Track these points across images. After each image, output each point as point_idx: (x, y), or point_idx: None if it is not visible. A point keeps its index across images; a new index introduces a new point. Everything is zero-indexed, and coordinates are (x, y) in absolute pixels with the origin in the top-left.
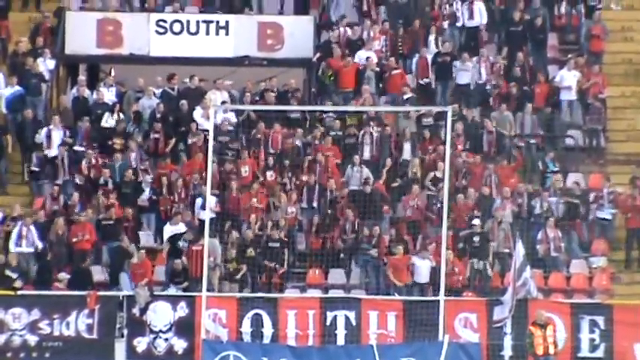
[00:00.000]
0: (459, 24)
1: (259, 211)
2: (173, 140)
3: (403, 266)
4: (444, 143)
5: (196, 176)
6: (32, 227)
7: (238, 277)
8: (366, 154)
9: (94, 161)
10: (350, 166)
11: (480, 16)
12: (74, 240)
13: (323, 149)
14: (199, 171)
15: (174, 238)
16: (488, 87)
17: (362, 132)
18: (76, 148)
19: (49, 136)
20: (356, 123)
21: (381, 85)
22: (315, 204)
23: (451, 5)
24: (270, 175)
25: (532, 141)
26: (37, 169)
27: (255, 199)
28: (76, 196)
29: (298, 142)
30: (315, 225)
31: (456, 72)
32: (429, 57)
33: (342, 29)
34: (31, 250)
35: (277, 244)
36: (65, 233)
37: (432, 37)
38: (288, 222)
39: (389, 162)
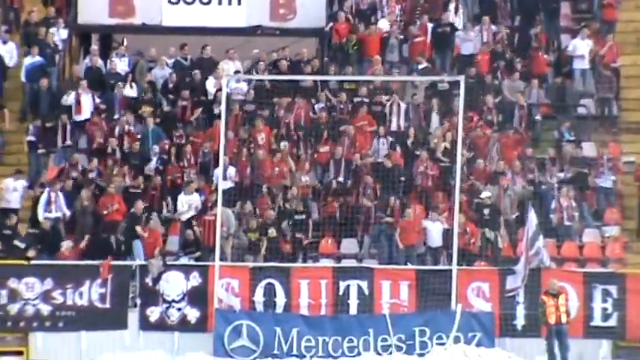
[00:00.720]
0: None
1: (280, 179)
2: (200, 109)
3: (412, 229)
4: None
5: (207, 144)
6: (60, 194)
7: (263, 251)
8: (394, 125)
9: (127, 128)
10: (376, 138)
11: None
12: (104, 212)
13: (355, 120)
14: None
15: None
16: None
17: (389, 102)
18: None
19: (78, 101)
20: (354, 87)
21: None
22: (334, 173)
23: None
24: (283, 145)
25: (537, 116)
26: (33, 138)
27: (277, 169)
28: (95, 162)
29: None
30: (331, 192)
31: (460, 42)
32: (430, 26)
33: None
34: (59, 215)
35: (302, 216)
36: (91, 203)
37: (452, 6)
38: (302, 191)
39: (412, 132)
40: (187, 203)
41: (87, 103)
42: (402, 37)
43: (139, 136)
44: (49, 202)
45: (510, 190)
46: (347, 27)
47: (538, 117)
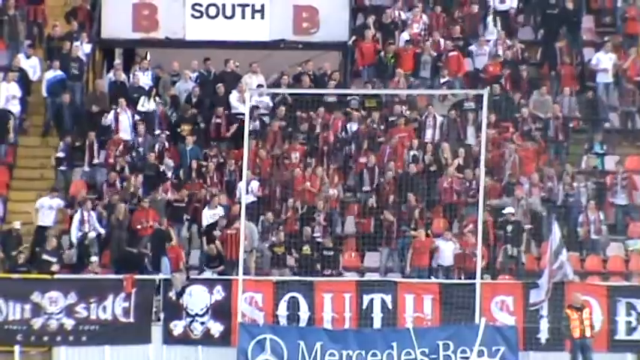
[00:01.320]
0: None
1: (311, 195)
2: (235, 126)
3: (425, 249)
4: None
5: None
6: (92, 213)
7: (293, 263)
8: (428, 137)
9: (166, 145)
10: (410, 150)
11: (511, 0)
12: (138, 227)
13: (395, 132)
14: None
15: (211, 225)
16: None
17: (425, 115)
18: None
19: (117, 119)
20: (374, 105)
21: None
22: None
23: None
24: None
25: (570, 124)
26: (62, 154)
27: (308, 183)
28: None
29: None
30: (362, 207)
31: (474, 56)
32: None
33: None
34: (94, 234)
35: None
36: (127, 218)
37: (489, 19)
38: (330, 204)
39: (445, 146)
40: (213, 217)
41: (125, 121)
42: (435, 53)
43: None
44: (82, 222)
45: (524, 200)
46: (372, 45)
47: (571, 125)
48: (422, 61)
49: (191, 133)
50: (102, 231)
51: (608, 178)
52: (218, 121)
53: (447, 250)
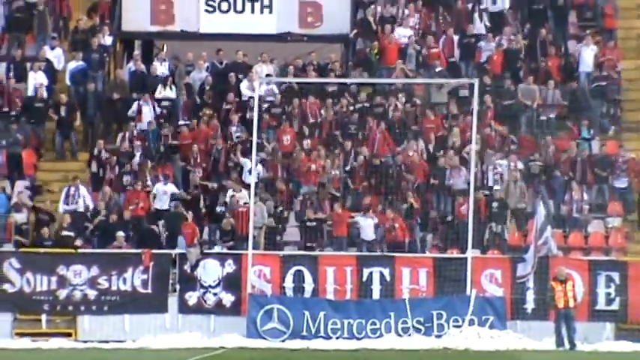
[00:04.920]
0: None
1: (314, 175)
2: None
3: (343, 222)
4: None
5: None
6: (81, 186)
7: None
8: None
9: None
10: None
11: (503, 2)
12: (130, 207)
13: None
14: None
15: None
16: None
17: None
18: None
19: (139, 111)
20: (370, 93)
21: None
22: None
23: None
24: (307, 143)
25: (551, 115)
26: None
27: (313, 165)
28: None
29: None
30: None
31: (482, 51)
32: (456, 38)
33: (378, 7)
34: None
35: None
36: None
37: (476, 15)
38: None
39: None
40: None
41: (147, 112)
42: (418, 47)
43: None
44: (67, 196)
45: (519, 181)
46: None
47: (552, 116)
48: (407, 54)
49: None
50: (91, 205)
51: (607, 161)
52: (228, 107)
53: (368, 227)
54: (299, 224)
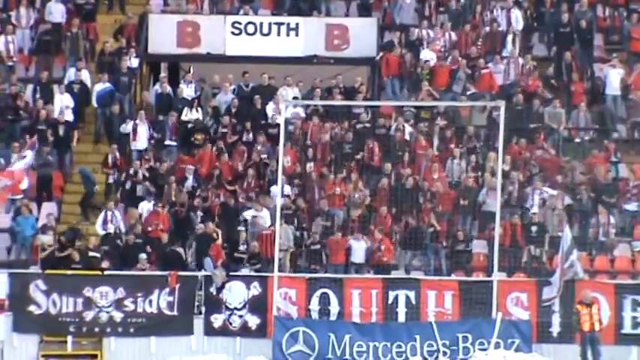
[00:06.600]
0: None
1: (339, 199)
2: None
3: (340, 248)
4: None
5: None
6: (116, 212)
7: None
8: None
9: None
10: (450, 159)
11: (516, 23)
12: (149, 229)
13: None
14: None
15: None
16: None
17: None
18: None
19: (135, 130)
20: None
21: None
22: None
23: (492, 12)
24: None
25: (585, 137)
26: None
27: (338, 189)
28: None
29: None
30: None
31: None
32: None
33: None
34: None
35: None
36: (139, 221)
37: (509, 38)
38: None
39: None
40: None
41: (143, 131)
42: (469, 71)
43: None
44: (105, 221)
45: (557, 210)
46: (397, 58)
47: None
48: (457, 77)
49: (203, 141)
50: (123, 228)
51: (620, 184)
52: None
53: (359, 249)
54: (304, 249)
